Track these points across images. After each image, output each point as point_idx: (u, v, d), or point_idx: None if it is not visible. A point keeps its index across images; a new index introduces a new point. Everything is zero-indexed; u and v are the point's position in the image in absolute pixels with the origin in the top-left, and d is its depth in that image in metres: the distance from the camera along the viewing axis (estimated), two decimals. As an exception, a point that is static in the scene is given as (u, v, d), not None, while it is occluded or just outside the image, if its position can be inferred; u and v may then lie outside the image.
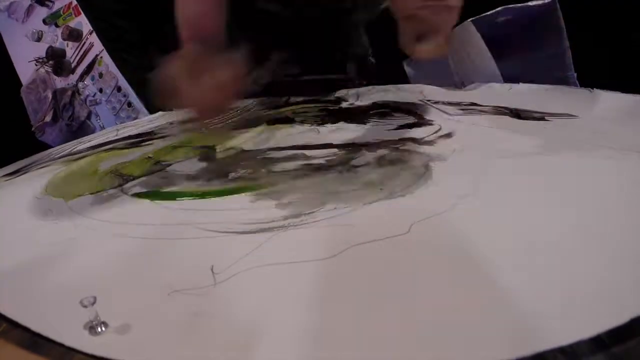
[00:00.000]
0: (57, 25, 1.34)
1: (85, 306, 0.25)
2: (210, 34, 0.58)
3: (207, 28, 0.58)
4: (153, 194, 0.45)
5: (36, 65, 1.37)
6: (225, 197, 0.42)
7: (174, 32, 0.57)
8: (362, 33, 0.86)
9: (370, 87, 0.81)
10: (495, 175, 0.40)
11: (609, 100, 0.61)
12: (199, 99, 0.48)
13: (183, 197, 0.43)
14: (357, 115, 0.65)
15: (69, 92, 1.34)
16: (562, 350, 0.21)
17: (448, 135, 0.52)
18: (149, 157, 0.56)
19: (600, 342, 0.21)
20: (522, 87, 0.75)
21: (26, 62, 1.39)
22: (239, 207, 0.40)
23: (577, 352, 0.21)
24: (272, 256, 0.31)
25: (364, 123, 0.60)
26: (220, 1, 0.61)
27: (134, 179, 0.49)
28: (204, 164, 0.51)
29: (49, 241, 0.37)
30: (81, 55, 1.32)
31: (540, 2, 0.87)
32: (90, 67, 1.31)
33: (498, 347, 0.22)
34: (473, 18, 0.82)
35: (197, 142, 0.60)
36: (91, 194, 0.47)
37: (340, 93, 0.81)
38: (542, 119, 0.55)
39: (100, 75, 1.29)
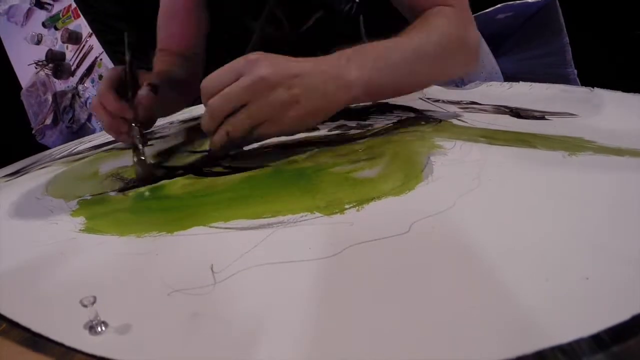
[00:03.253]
0: (56, 28, 1.34)
1: (85, 306, 0.25)
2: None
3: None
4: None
5: (36, 68, 1.37)
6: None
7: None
8: None
9: None
10: (497, 173, 0.40)
11: (610, 100, 0.61)
12: None
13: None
14: (356, 113, 0.65)
15: (69, 95, 1.35)
16: (561, 349, 0.21)
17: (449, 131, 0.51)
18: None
19: (600, 340, 0.21)
20: (522, 86, 0.74)
21: (26, 65, 1.39)
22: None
23: (577, 350, 0.21)
24: (272, 255, 0.31)
25: (364, 119, 0.60)
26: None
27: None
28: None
29: (49, 241, 0.38)
30: (81, 58, 1.32)
31: (539, -1, 0.87)
32: (90, 69, 1.31)
33: (498, 346, 0.21)
34: (473, 15, 0.82)
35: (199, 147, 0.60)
36: (92, 196, 0.47)
37: None
38: (542, 118, 0.55)
39: (100, 77, 1.29)
